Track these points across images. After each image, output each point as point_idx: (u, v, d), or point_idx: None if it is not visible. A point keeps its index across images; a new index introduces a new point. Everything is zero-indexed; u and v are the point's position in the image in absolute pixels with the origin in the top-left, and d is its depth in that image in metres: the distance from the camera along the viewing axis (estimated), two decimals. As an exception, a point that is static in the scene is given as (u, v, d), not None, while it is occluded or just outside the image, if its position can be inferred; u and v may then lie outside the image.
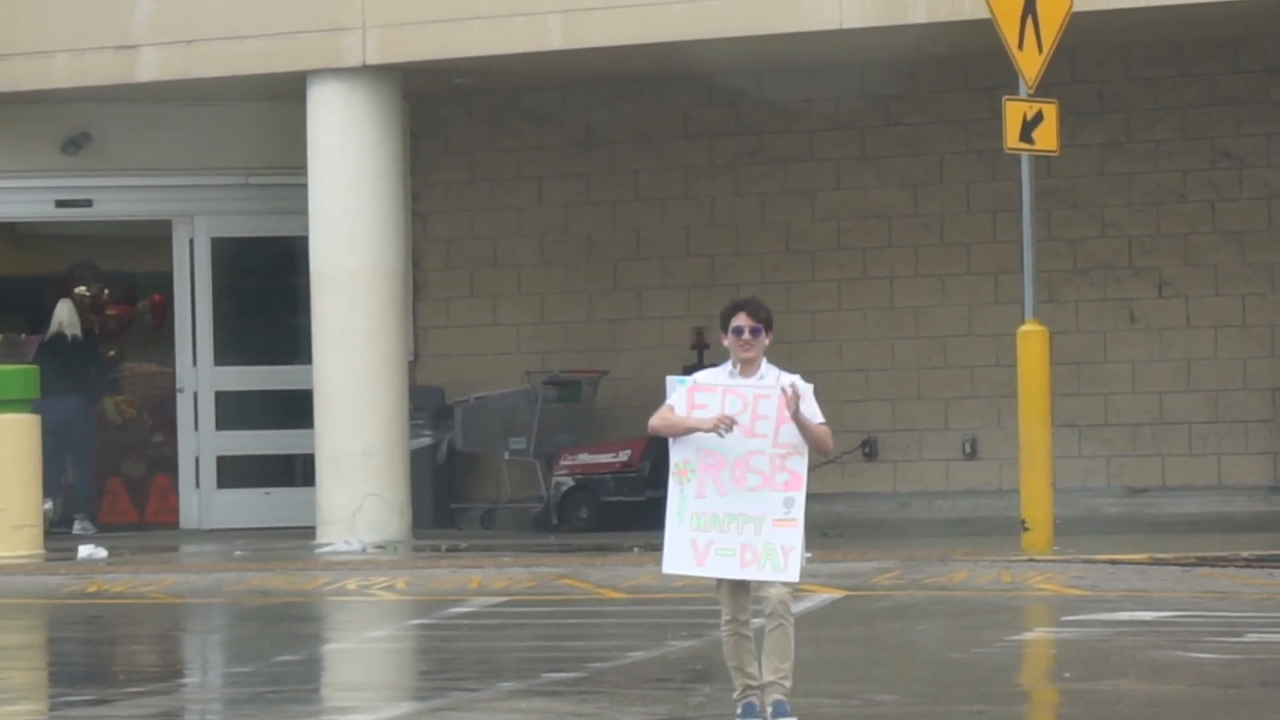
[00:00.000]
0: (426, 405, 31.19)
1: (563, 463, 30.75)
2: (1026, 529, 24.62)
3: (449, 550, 28.36)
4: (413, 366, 31.15)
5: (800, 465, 12.84)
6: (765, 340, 13.03)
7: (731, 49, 28.36)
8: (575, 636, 21.00)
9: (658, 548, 25.38)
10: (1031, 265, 25.18)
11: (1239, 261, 28.88)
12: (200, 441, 33.05)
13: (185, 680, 19.79)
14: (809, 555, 24.70)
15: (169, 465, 33.61)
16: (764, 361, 13.04)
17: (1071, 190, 29.08)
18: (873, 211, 30.75)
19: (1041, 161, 25.57)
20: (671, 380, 13.62)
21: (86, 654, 21.80)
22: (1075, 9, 24.72)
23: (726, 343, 13.08)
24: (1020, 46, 24.54)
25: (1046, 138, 24.60)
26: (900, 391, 31.06)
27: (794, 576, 12.82)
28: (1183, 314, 28.98)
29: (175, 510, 33.03)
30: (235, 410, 33.15)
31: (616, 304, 32.21)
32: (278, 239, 32.17)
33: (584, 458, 30.78)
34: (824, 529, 27.62)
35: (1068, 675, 17.42)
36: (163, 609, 24.37)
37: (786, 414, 12.79)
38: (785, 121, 31.07)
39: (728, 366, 13.11)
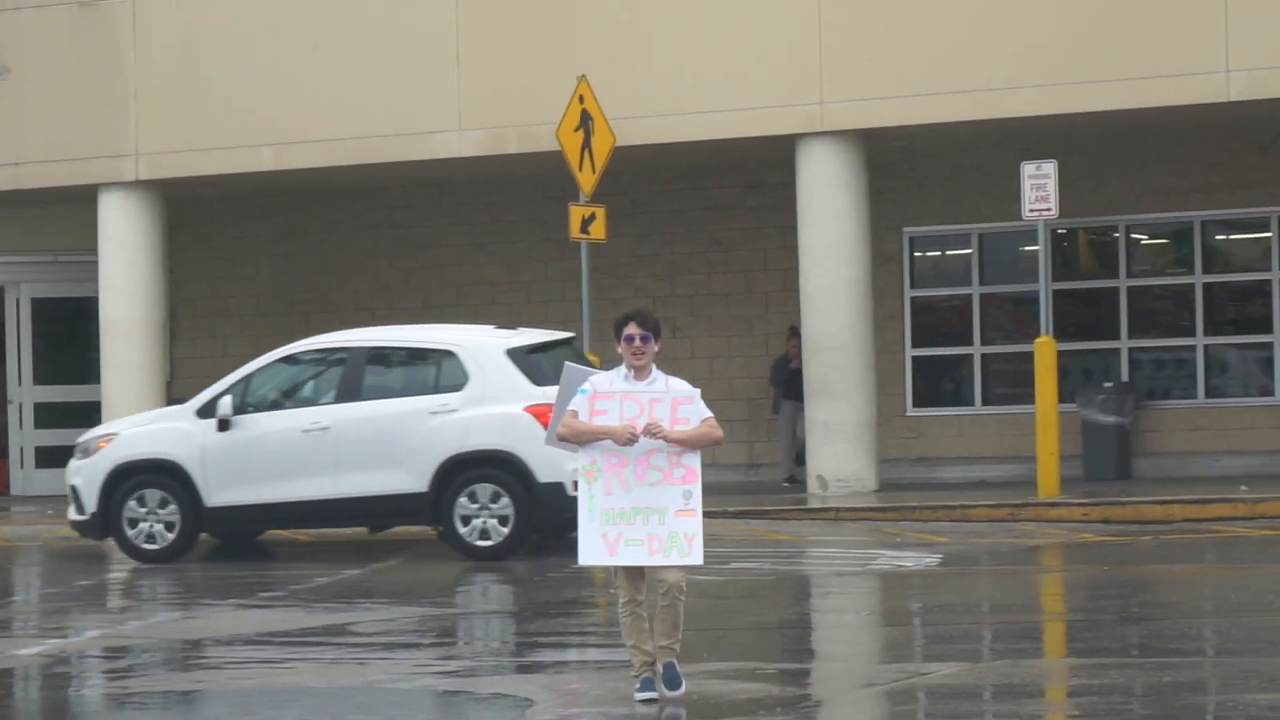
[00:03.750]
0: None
1: None
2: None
3: None
4: (169, 387, 30.70)
5: (695, 461, 11.38)
6: (655, 347, 11.47)
7: (388, 170, 29.10)
8: (279, 565, 21.61)
9: None
10: (588, 317, 26.22)
11: (726, 315, 29.78)
12: (24, 436, 33.21)
13: (13, 598, 20.30)
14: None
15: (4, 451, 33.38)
16: (654, 367, 11.52)
17: (615, 266, 29.22)
18: (482, 280, 31.35)
19: (595, 246, 26.30)
20: (571, 368, 12.07)
21: None
22: (617, 145, 25.77)
23: (620, 349, 11.51)
24: (580, 169, 25.71)
25: (598, 230, 25.83)
26: None
27: (698, 560, 11.37)
28: (689, 349, 29.24)
29: (7, 482, 33.13)
30: (48, 415, 32.92)
31: None
32: (78, 299, 31.79)
33: None
34: None
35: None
36: None
37: (678, 419, 11.33)
38: (424, 217, 31.68)
39: (622, 371, 11.53)
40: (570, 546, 20.98)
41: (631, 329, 11.42)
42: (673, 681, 11.59)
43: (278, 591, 18.74)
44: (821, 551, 20.95)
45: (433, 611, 17.59)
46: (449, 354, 22.07)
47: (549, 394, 20.14)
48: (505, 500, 21.21)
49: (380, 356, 22.73)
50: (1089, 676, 12.76)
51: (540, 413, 20.46)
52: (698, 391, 11.55)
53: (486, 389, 21.50)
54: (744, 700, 11.92)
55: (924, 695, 12.42)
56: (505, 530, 21.19)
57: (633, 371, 11.46)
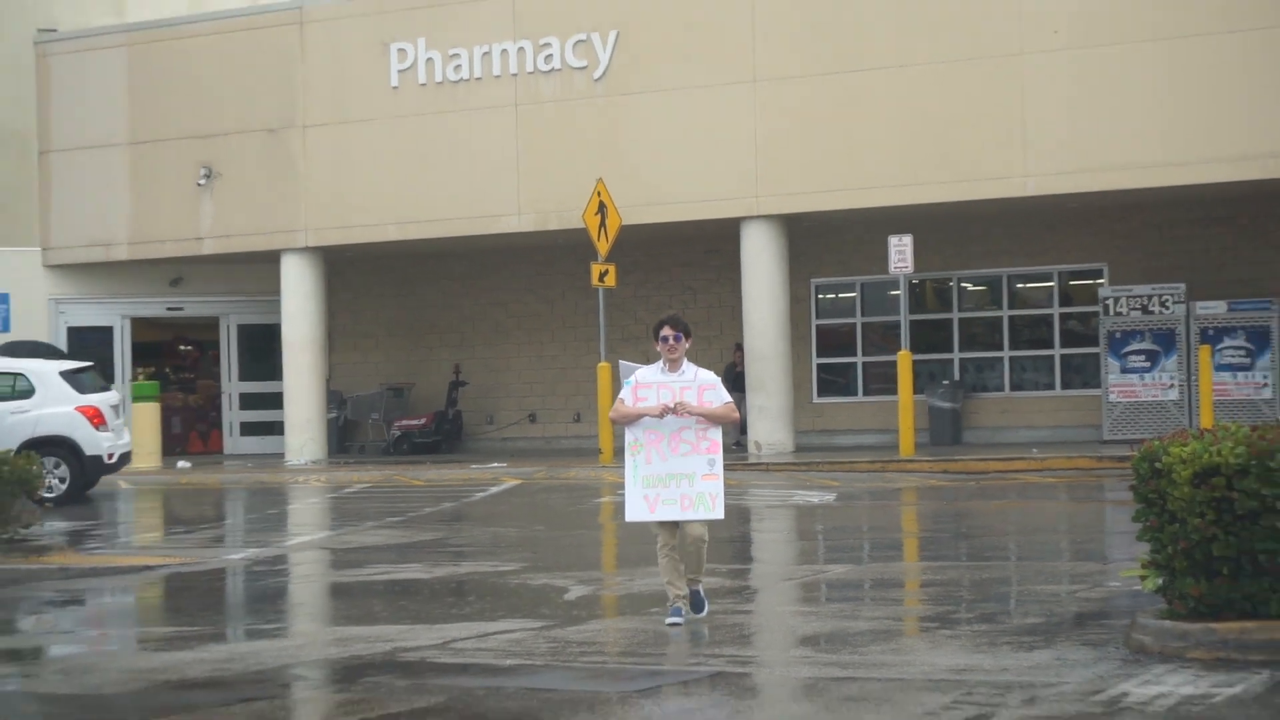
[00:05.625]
0: (334, 399, 30.92)
1: (395, 424, 30.77)
2: (601, 453, 25.53)
3: (344, 464, 28.35)
4: (329, 381, 30.67)
5: (717, 435, 9.79)
6: (685, 344, 9.84)
7: (471, 240, 28.74)
8: (400, 501, 20.71)
9: (442, 463, 26.82)
10: (604, 336, 26.19)
11: (697, 337, 26.82)
12: (233, 414, 32.57)
13: (226, 522, 19.97)
14: (505, 465, 25.10)
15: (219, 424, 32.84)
16: (685, 360, 9.88)
17: (621, 303, 28.83)
18: (533, 313, 31.03)
19: (608, 290, 26.16)
20: (624, 365, 10.88)
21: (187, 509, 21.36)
22: (623, 224, 25.48)
23: (658, 348, 9.91)
24: (598, 240, 25.52)
25: (610, 280, 25.63)
26: (547, 390, 31.02)
27: (720, 515, 9.84)
28: (670, 358, 29.13)
29: (222, 445, 32.53)
30: (247, 400, 32.53)
31: (419, 353, 31.86)
32: (268, 324, 31.30)
33: (405, 422, 30.73)
34: (507, 456, 28.70)
35: (616, 520, 17.63)
36: (214, 490, 24.33)
37: (704, 402, 9.72)
38: (495, 270, 31.06)
39: (659, 365, 9.92)
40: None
41: (666, 330, 9.86)
42: (698, 605, 10.10)
43: (399, 517, 18.37)
44: (757, 491, 20.79)
45: (496, 530, 17.20)
46: (21, 375, 22.57)
47: (89, 399, 21.98)
48: (64, 468, 21.88)
49: None
50: (933, 574, 12.70)
51: (83, 410, 22.19)
52: (719, 380, 9.96)
53: (48, 397, 22.26)
54: (707, 590, 11.80)
55: (825, 585, 12.36)
56: (64, 487, 21.88)
57: (668, 365, 9.85)
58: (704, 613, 10.13)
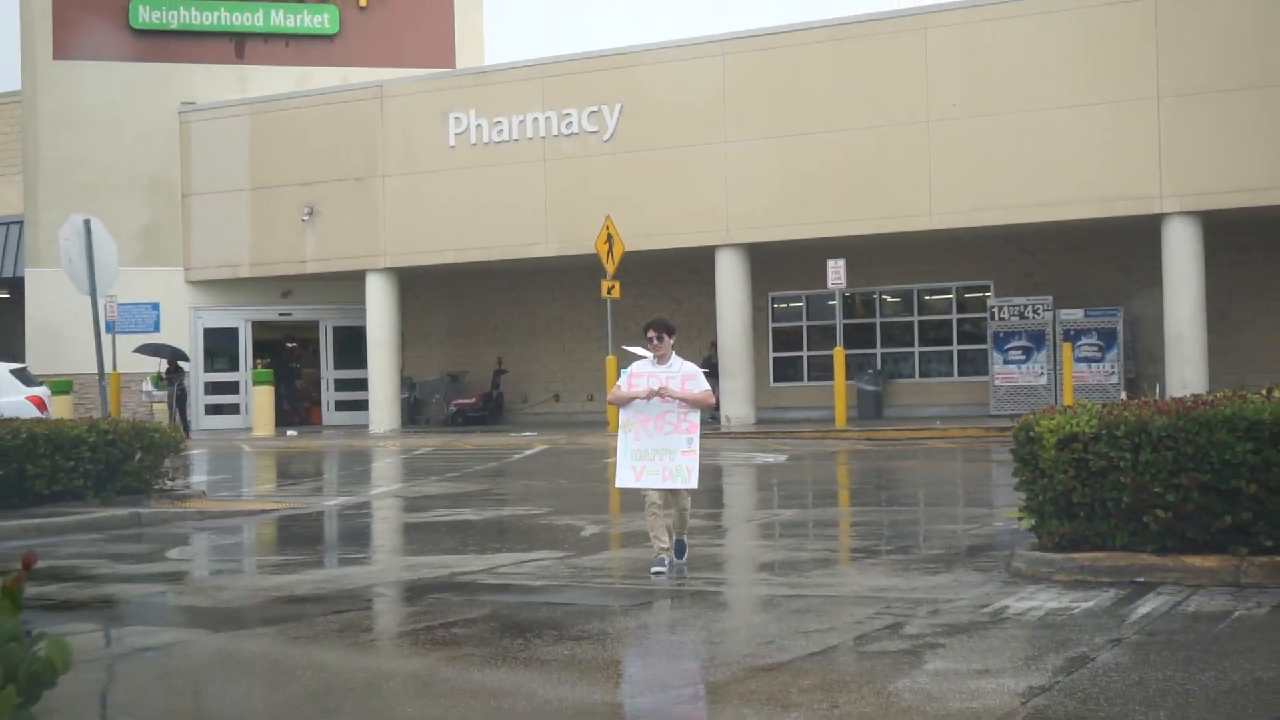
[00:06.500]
0: (406, 383, 30.56)
1: (453, 403, 30.56)
2: (608, 425, 25.68)
3: (413, 433, 27.95)
4: (402, 370, 30.52)
5: (696, 418, 9.07)
6: (669, 341, 9.16)
7: (509, 262, 28.55)
8: (456, 461, 20.40)
9: (488, 432, 26.42)
10: (611, 335, 25.77)
11: (682, 336, 28.00)
12: (329, 394, 32.35)
13: (323, 477, 19.56)
14: (535, 434, 24.84)
15: (319, 402, 32.03)
16: (674, 355, 9.20)
17: (624, 310, 28.42)
18: (557, 317, 30.90)
19: (614, 301, 25.79)
20: (628, 348, 10.09)
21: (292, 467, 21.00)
22: (626, 250, 25.45)
23: (646, 345, 9.28)
24: (607, 262, 25.17)
25: (616, 293, 25.26)
26: (568, 376, 30.96)
27: (694, 485, 9.02)
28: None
29: (322, 418, 32.12)
30: (340, 384, 32.21)
31: (470, 348, 31.67)
32: (355, 327, 31.03)
33: (460, 400, 30.55)
34: (537, 427, 28.47)
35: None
36: (315, 452, 23.91)
37: (685, 389, 9.03)
38: (528, 285, 30.88)
39: (651, 358, 9.24)
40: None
41: (651, 332, 9.22)
42: (680, 551, 9.38)
43: (455, 473, 18.00)
44: (727, 454, 20.54)
45: (536, 484, 17.02)
46: None
47: (34, 390, 21.19)
48: None
49: None
50: (861, 516, 12.54)
51: (32, 399, 21.08)
52: (700, 371, 9.27)
53: (2, 388, 21.35)
54: (689, 529, 11.74)
55: (778, 524, 12.20)
56: None
57: (657, 359, 9.20)
58: (684, 558, 9.45)
